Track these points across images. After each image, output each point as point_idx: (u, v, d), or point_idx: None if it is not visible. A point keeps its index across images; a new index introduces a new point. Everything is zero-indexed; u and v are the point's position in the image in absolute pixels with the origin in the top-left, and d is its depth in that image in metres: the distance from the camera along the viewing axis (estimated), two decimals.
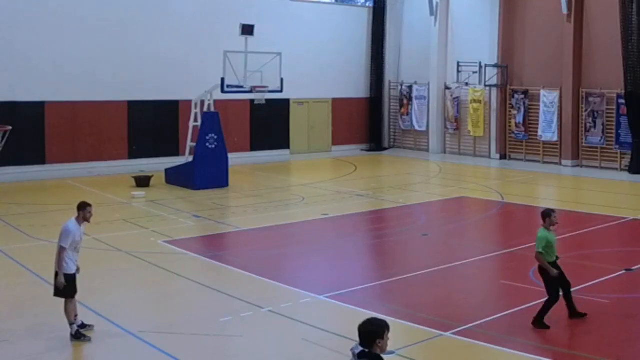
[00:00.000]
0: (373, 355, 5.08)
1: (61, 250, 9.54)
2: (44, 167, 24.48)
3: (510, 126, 29.28)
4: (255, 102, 23.01)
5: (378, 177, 26.31)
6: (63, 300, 9.79)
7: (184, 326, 10.13)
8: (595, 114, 26.47)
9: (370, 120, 33.38)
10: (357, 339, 5.26)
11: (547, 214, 10.24)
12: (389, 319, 10.23)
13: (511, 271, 12.52)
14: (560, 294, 10.02)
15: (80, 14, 24.94)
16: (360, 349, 5.06)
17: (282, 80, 22.28)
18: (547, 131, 27.86)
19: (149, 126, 26.72)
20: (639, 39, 24.74)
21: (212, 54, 24.31)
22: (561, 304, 10.25)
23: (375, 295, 11.77)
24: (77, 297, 9.95)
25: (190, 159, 22.50)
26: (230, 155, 23.03)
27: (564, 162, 27.15)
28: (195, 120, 22.77)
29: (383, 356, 5.18)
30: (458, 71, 29.72)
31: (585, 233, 16.06)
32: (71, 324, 9.61)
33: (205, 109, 22.43)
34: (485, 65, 29.10)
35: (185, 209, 19.10)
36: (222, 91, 21.60)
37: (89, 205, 9.82)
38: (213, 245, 15.41)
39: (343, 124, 32.61)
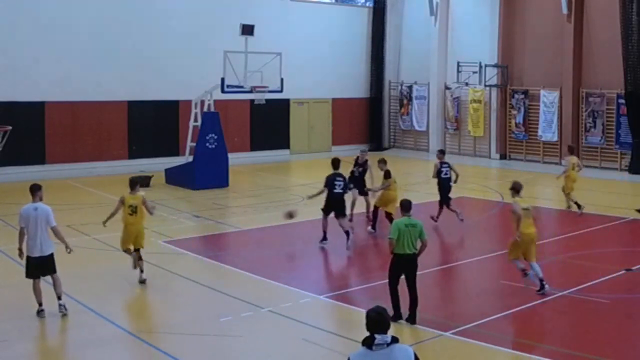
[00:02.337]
0: (397, 338, 5.34)
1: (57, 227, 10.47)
2: (44, 167, 24.43)
3: (510, 126, 29.27)
4: (255, 102, 22.99)
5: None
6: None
7: (184, 326, 10.13)
8: (595, 114, 26.46)
9: (370, 120, 33.36)
10: (362, 334, 5.35)
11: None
12: None
13: (511, 271, 12.50)
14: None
15: (80, 14, 24.89)
16: (389, 336, 5.29)
17: (282, 80, 22.26)
18: (547, 131, 27.85)
19: (149, 126, 26.68)
20: (639, 39, 24.73)
21: (212, 54, 24.27)
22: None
23: (375, 295, 11.75)
24: (76, 296, 10.01)
25: (190, 159, 22.50)
26: (230, 155, 23.02)
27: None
28: (195, 120, 22.76)
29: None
30: (458, 71, 29.68)
31: (585, 233, 16.05)
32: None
33: (205, 109, 22.43)
34: (485, 65, 29.08)
35: (185, 209, 19.09)
36: (222, 91, 21.58)
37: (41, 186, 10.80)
38: (213, 245, 15.40)
39: (343, 124, 32.59)
